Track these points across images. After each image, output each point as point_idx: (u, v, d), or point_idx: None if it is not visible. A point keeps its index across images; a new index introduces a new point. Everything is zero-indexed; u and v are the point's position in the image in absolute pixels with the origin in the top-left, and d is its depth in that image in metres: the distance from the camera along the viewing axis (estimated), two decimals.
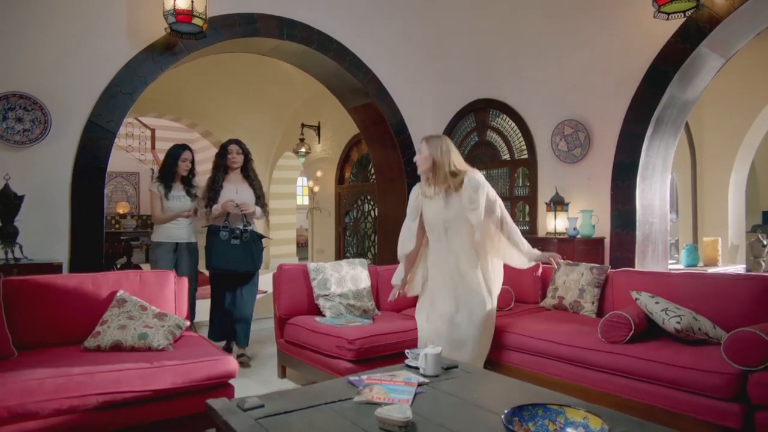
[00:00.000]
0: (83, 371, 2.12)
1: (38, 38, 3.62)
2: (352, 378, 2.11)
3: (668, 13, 3.49)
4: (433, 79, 5.67)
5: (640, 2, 3.94)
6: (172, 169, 4.04)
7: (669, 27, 3.83)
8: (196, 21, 3.78)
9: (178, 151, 4.09)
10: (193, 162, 4.15)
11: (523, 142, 4.95)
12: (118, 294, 2.73)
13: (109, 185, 10.81)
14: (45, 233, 3.63)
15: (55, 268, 3.39)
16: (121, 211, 10.70)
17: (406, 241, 3.06)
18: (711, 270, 4.78)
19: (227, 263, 3.75)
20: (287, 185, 10.01)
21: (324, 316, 3.42)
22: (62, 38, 3.70)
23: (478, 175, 2.87)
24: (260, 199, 4.02)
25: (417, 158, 2.95)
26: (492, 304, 2.99)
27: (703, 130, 6.24)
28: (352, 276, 3.59)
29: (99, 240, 3.83)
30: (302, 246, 11.84)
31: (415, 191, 3.07)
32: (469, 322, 2.88)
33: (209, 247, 3.81)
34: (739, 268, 5.38)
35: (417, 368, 2.21)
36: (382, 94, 5.34)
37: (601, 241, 4.21)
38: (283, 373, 3.65)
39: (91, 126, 3.81)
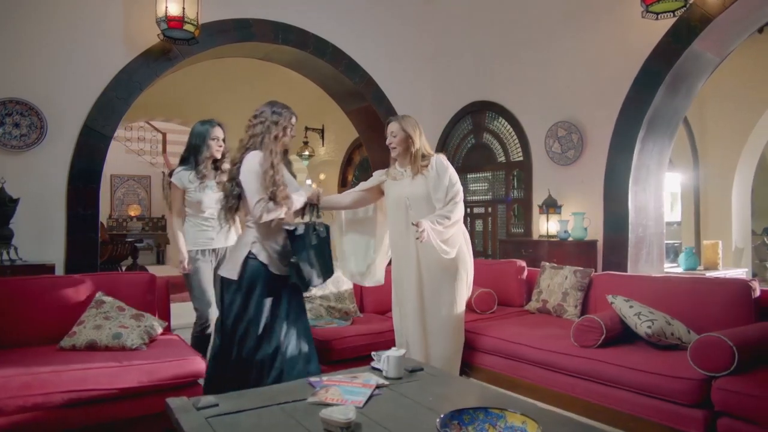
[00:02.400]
0: (51, 369, 2.18)
1: (35, 46, 3.73)
2: (312, 379, 2.13)
3: (657, 13, 3.44)
4: (430, 82, 5.67)
5: (631, 3, 3.90)
6: (200, 151, 3.10)
7: (661, 27, 3.78)
8: (188, 27, 3.86)
9: (205, 127, 3.14)
10: (224, 140, 3.23)
11: (518, 145, 4.92)
12: (97, 295, 2.79)
13: (121, 188, 11.05)
14: (41, 235, 3.73)
15: (48, 269, 3.49)
16: (132, 213, 10.92)
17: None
18: (710, 274, 4.68)
19: (329, 271, 2.74)
20: None
21: None
22: (59, 45, 3.81)
23: (445, 159, 2.91)
24: None
25: (393, 140, 2.93)
26: (463, 275, 2.89)
27: (705, 129, 6.09)
28: (333, 278, 3.59)
29: (94, 242, 3.92)
30: None
31: (379, 173, 3.10)
32: (438, 295, 2.84)
33: (305, 256, 2.54)
34: (740, 272, 5.24)
35: (381, 370, 2.21)
36: (379, 97, 5.35)
37: (593, 244, 4.16)
38: None
39: (87, 131, 3.91)
